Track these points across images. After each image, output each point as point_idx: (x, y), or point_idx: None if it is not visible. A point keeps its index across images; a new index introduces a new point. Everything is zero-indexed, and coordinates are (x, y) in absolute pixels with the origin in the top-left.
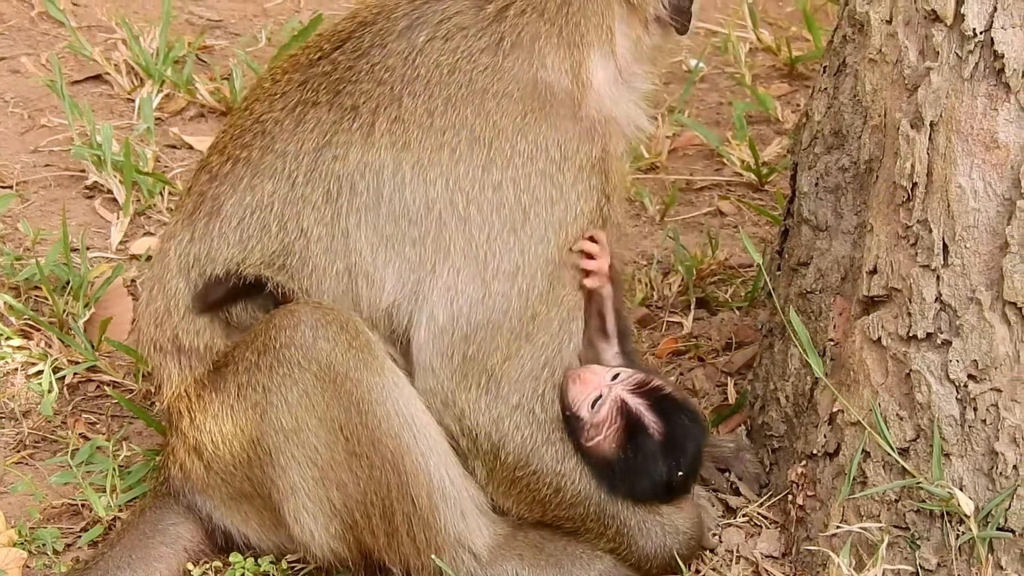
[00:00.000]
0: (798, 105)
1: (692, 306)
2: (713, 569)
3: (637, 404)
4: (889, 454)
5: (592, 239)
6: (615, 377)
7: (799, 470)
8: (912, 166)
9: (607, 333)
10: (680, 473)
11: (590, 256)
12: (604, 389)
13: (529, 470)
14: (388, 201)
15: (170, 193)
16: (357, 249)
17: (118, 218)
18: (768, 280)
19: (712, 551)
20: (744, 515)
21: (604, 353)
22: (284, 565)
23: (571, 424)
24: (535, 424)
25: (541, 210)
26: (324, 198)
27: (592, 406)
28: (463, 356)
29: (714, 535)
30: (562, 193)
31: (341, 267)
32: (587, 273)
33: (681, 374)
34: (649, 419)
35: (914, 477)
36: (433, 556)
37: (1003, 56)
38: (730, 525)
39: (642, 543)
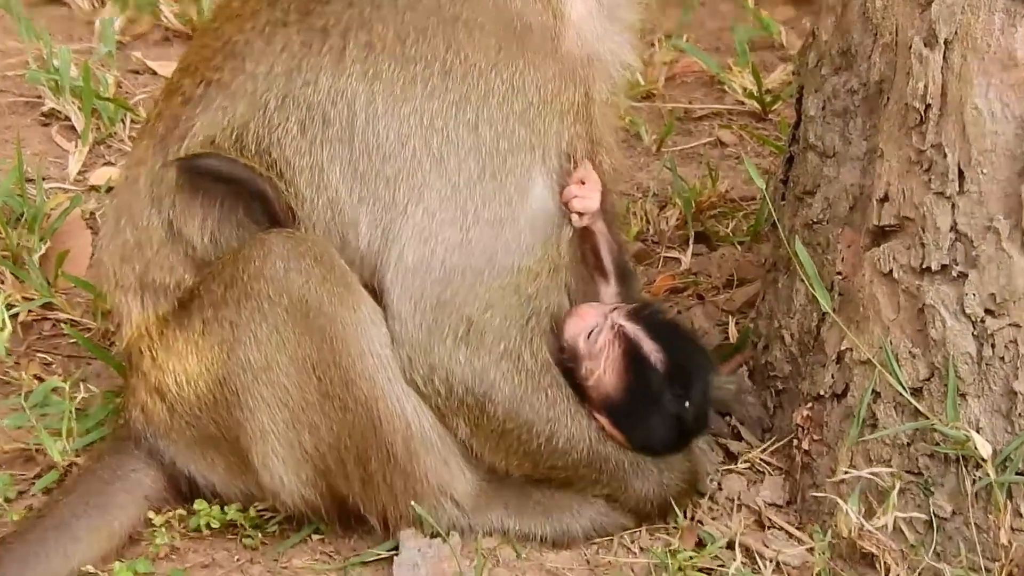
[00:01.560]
0: (803, 30)
1: (691, 241)
2: (713, 518)
3: (635, 330)
4: (901, 394)
5: (581, 180)
6: (614, 310)
7: (805, 413)
8: (925, 87)
9: (604, 272)
10: (688, 404)
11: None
12: (601, 319)
13: (520, 420)
14: (361, 134)
15: (132, 121)
16: (332, 185)
17: (76, 147)
18: (772, 211)
19: (712, 499)
20: (746, 461)
21: (603, 293)
22: (252, 514)
23: (569, 362)
24: (524, 372)
25: (523, 157)
26: (299, 128)
27: (588, 337)
28: (437, 302)
29: (713, 482)
30: (542, 140)
31: (324, 202)
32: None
33: (679, 312)
34: (649, 345)
35: (927, 419)
36: (412, 503)
37: None
38: (731, 472)
39: (638, 485)
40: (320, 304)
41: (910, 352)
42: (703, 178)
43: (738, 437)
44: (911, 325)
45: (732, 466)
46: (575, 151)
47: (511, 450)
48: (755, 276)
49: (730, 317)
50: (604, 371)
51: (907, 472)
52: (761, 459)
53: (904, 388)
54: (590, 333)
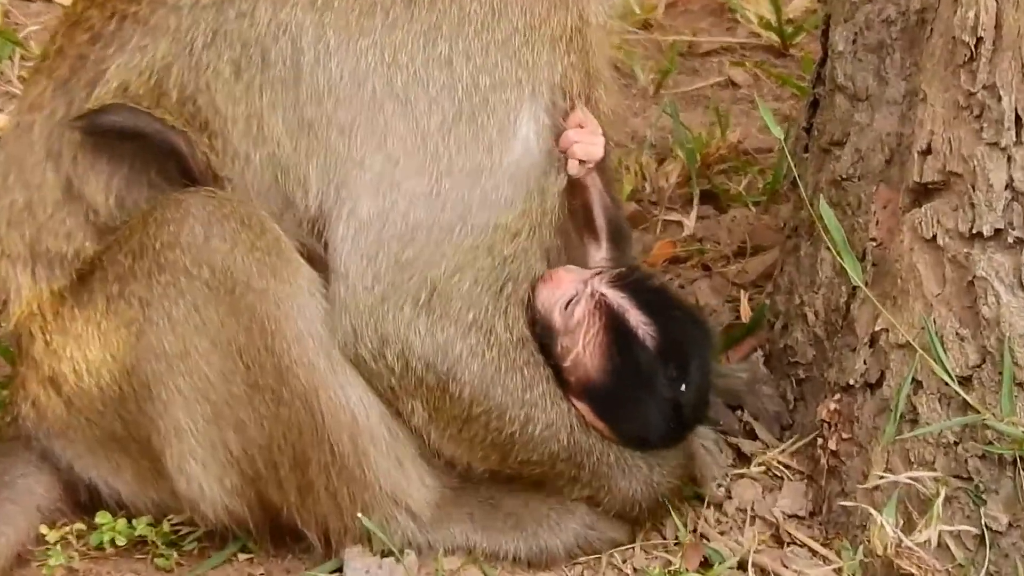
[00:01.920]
0: None
1: (695, 201)
2: (721, 533)
3: (620, 299)
4: (947, 384)
5: (579, 124)
6: (596, 275)
7: (832, 406)
8: (976, 16)
9: (595, 232)
10: (684, 388)
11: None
12: (579, 286)
13: (489, 404)
14: (309, 75)
15: (22, 57)
16: (274, 137)
17: None
18: (793, 165)
19: (719, 509)
20: (761, 464)
21: (592, 257)
22: (166, 528)
23: (542, 337)
24: (497, 347)
25: (508, 95)
26: (232, 70)
27: (565, 308)
28: (395, 261)
29: (721, 488)
30: (531, 73)
31: (263, 157)
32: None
33: (681, 287)
34: (637, 317)
35: (979, 413)
36: (359, 515)
37: None
38: (743, 476)
39: (623, 484)
40: (248, 277)
41: (957, 333)
42: (710, 126)
43: (752, 435)
44: (959, 301)
45: (744, 470)
46: (570, 86)
47: (477, 440)
48: (772, 243)
49: (742, 292)
50: (583, 349)
51: (954, 477)
52: (779, 461)
53: (950, 376)
54: (567, 303)
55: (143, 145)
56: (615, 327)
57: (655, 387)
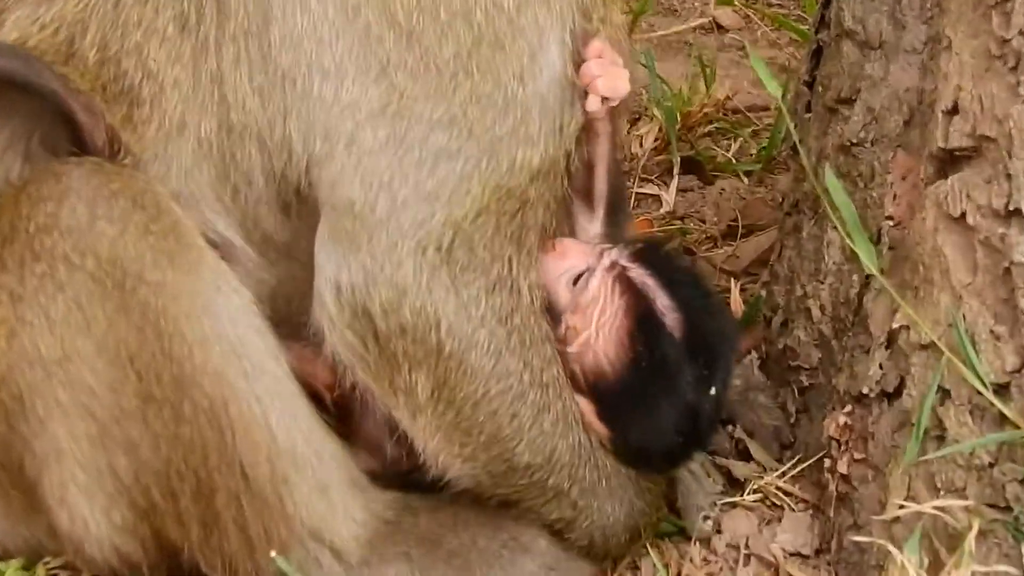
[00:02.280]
0: None
1: (676, 170)
2: (709, 574)
3: (645, 278)
4: (980, 393)
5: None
6: (609, 249)
7: (841, 420)
8: None
9: (592, 197)
10: (710, 393)
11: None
12: (592, 260)
13: (510, 383)
14: (282, 17)
15: None
16: (238, 100)
17: None
18: (792, 128)
19: (707, 545)
20: (756, 491)
21: (583, 229)
22: (41, 573)
23: None
24: (521, 312)
25: (534, 14)
26: (177, 27)
27: (574, 283)
28: (416, 191)
29: (708, 521)
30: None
31: (212, 127)
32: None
33: None
34: (664, 301)
35: (1018, 428)
36: (274, 555)
37: None
38: (735, 506)
39: (609, 507)
40: (140, 267)
41: (992, 332)
42: (693, 78)
43: (745, 456)
44: (993, 292)
45: (737, 498)
46: (591, 5)
47: (477, 431)
48: (768, 221)
49: (733, 280)
50: (596, 333)
51: (989, 506)
52: (778, 487)
53: (985, 384)
54: (576, 277)
55: (28, 104)
56: (638, 309)
57: (677, 387)
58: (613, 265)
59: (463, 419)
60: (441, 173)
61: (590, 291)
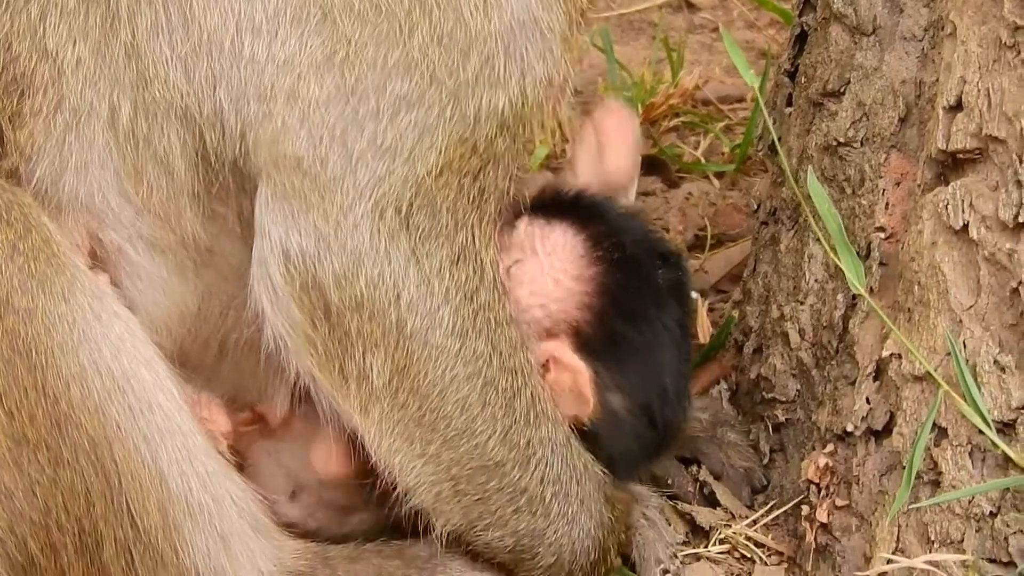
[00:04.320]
0: None
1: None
2: None
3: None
4: (981, 432)
5: None
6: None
7: (822, 461)
8: None
9: None
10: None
11: None
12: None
13: (478, 367)
14: None
15: None
16: (159, 74)
17: None
18: (771, 124)
19: None
20: (724, 540)
21: None
22: None
23: None
24: (485, 289)
25: None
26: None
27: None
28: (371, 144)
29: (667, 574)
30: None
31: (125, 111)
32: None
33: None
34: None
35: None
36: None
37: None
38: (699, 558)
39: (582, 518)
40: (8, 292)
41: (996, 362)
42: (657, 64)
43: (712, 501)
44: (999, 316)
45: (701, 549)
46: None
47: (443, 424)
48: (741, 231)
49: (700, 299)
50: (546, 260)
51: (990, 561)
52: (749, 537)
53: (987, 422)
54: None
55: None
56: (582, 223)
57: (650, 278)
58: (535, 212)
59: (428, 410)
60: (401, 124)
61: (520, 229)
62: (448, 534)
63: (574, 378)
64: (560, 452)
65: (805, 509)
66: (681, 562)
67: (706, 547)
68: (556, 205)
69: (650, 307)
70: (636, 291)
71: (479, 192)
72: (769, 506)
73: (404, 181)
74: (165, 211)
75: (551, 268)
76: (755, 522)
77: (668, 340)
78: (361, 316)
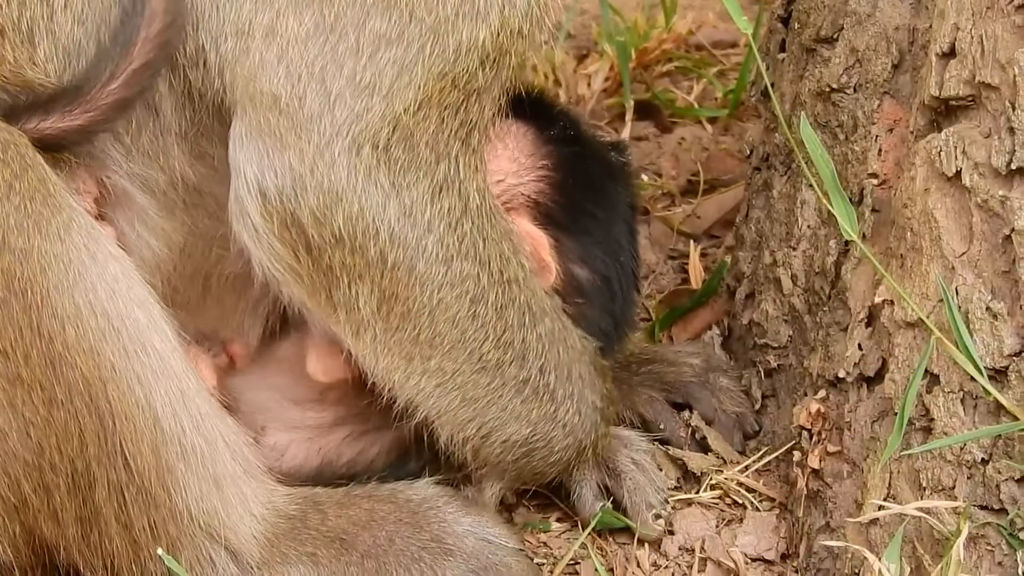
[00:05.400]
0: None
1: (629, 116)
2: None
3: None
4: (973, 379)
5: None
6: None
7: (814, 407)
8: None
9: None
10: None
11: None
12: None
13: (465, 288)
14: None
15: None
16: None
17: None
18: (764, 69)
19: (657, 548)
20: (715, 486)
21: None
22: None
23: None
24: (470, 216)
25: None
26: None
27: None
28: (351, 82)
29: (660, 520)
30: None
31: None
32: None
33: None
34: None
35: (1017, 419)
36: (161, 553)
37: None
38: (690, 504)
39: (588, 393)
40: (3, 232)
41: (989, 308)
42: (650, 9)
43: (703, 447)
44: (991, 263)
45: (692, 495)
46: None
47: (437, 340)
48: (734, 176)
49: (692, 244)
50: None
51: (981, 508)
52: (740, 483)
53: (979, 369)
54: None
55: None
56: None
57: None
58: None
59: (422, 330)
60: (381, 61)
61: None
62: (464, 450)
63: (534, 246)
64: (558, 340)
65: (797, 455)
66: (672, 507)
67: (697, 493)
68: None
69: (605, 180)
70: (591, 165)
71: (461, 124)
72: (761, 452)
73: (382, 118)
74: (154, 151)
75: (506, 148)
76: (747, 468)
77: (621, 217)
78: (343, 250)
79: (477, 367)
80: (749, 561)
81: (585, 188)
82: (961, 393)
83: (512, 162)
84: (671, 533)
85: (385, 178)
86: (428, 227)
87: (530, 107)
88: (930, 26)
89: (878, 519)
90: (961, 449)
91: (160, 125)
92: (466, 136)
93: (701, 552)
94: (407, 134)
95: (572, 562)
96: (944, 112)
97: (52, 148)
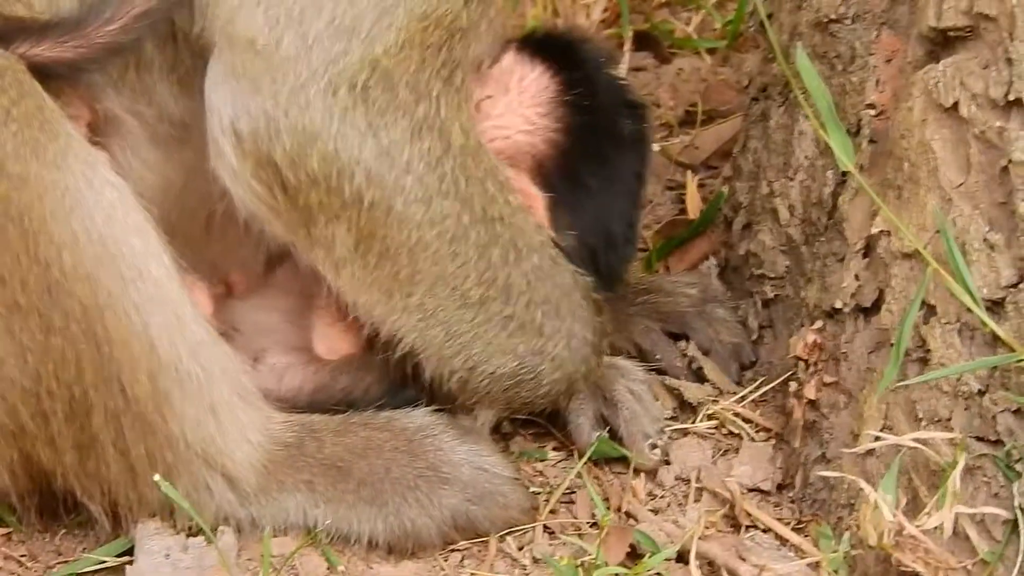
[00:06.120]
0: None
1: (627, 46)
2: (654, 511)
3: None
4: (970, 310)
5: None
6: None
7: (810, 338)
8: None
9: None
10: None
11: None
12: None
13: (446, 227)
14: None
15: None
16: None
17: None
18: (761, 1)
19: (653, 478)
20: (711, 416)
21: None
22: None
23: None
24: (453, 155)
25: None
26: None
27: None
28: (328, 25)
29: (656, 450)
30: None
31: None
32: None
33: None
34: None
35: (1013, 351)
36: (157, 480)
37: None
38: (686, 434)
39: (577, 328)
40: (1, 159)
41: (986, 239)
42: None
43: (699, 377)
44: (988, 194)
45: (688, 424)
46: None
47: (418, 277)
48: (732, 107)
49: (690, 174)
50: (519, 97)
51: (977, 439)
52: (736, 414)
53: (976, 300)
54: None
55: None
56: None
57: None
58: (522, 48)
59: (401, 268)
60: (360, 4)
61: (503, 64)
62: (451, 381)
63: (529, 205)
64: (547, 276)
65: (793, 386)
66: (669, 437)
67: (693, 423)
68: (542, 45)
69: (610, 153)
70: (600, 136)
71: (443, 64)
72: (757, 382)
73: (360, 60)
74: (141, 87)
75: (521, 104)
76: (743, 398)
77: (622, 189)
78: (318, 190)
79: (460, 303)
80: (745, 491)
81: (590, 158)
82: (958, 324)
83: (524, 119)
84: (667, 463)
85: (362, 119)
86: (407, 167)
87: (557, 50)
88: None
89: (874, 450)
90: (957, 380)
91: (142, 62)
92: (449, 75)
93: (697, 482)
94: (386, 75)
95: (568, 491)
96: (942, 43)
97: (38, 75)
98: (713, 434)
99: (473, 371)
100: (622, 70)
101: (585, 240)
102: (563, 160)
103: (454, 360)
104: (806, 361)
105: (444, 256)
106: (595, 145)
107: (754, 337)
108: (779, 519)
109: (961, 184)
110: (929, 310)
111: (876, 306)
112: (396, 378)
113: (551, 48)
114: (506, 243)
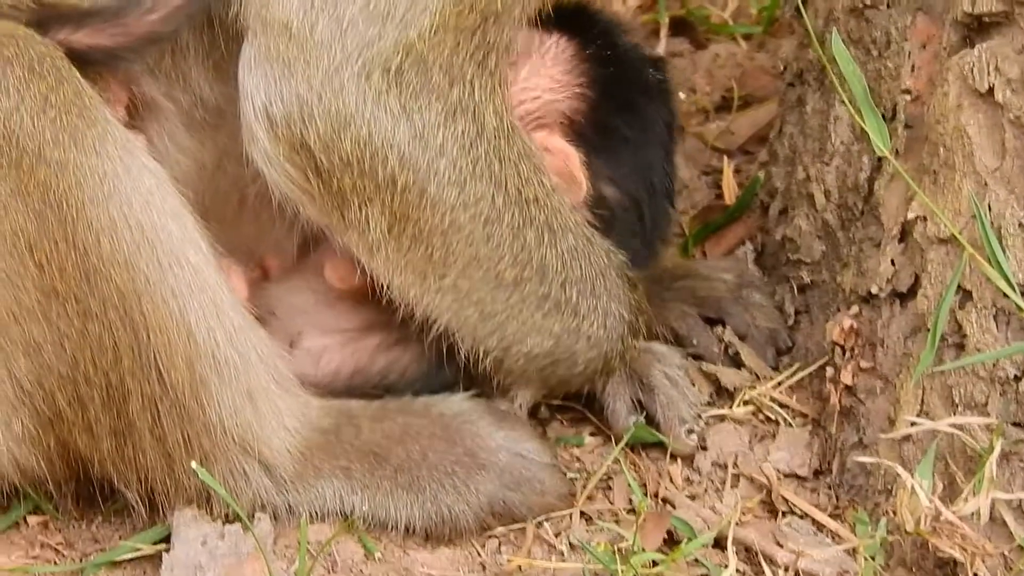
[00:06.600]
0: None
1: (664, 32)
2: (692, 497)
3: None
4: (1006, 296)
5: None
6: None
7: (847, 323)
8: None
9: None
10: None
11: None
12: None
13: (480, 209)
14: None
15: None
16: None
17: None
18: None
19: (690, 464)
20: (748, 402)
21: None
22: None
23: None
24: (487, 138)
25: None
26: None
27: None
28: (364, 9)
29: (692, 436)
30: None
31: None
32: None
33: None
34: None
35: None
36: (195, 467)
37: None
38: (723, 419)
39: (612, 306)
40: (39, 144)
41: (1021, 224)
42: None
43: (736, 362)
44: (1023, 179)
45: (725, 410)
46: None
47: (452, 259)
48: (768, 93)
49: (726, 159)
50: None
51: (1014, 424)
52: (773, 399)
53: (1011, 285)
54: None
55: None
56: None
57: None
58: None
59: (435, 250)
60: None
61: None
62: (487, 361)
63: (565, 161)
64: (581, 256)
65: (830, 371)
66: (705, 423)
67: (730, 408)
68: (556, 17)
69: (640, 101)
70: (627, 85)
71: (477, 47)
72: (794, 368)
73: (395, 44)
74: (177, 72)
75: (544, 65)
76: (780, 383)
77: (656, 138)
78: (352, 173)
79: (494, 284)
80: (782, 477)
81: (620, 108)
82: (994, 309)
83: (549, 79)
84: (704, 448)
85: (396, 102)
86: (440, 150)
87: (572, 19)
88: None
89: (911, 435)
90: (994, 366)
91: (179, 48)
92: (483, 59)
93: (734, 468)
94: (420, 59)
95: (605, 477)
96: (977, 28)
97: (76, 62)
98: (750, 420)
99: (508, 351)
100: (659, 51)
101: (627, 190)
102: (594, 113)
103: (489, 340)
104: (842, 346)
105: (478, 238)
106: (623, 95)
107: (790, 322)
108: (816, 505)
109: (996, 169)
110: (965, 295)
111: (912, 291)
112: (432, 359)
113: (563, 17)
114: (540, 224)
